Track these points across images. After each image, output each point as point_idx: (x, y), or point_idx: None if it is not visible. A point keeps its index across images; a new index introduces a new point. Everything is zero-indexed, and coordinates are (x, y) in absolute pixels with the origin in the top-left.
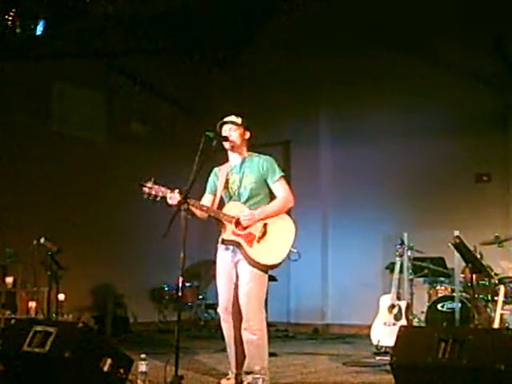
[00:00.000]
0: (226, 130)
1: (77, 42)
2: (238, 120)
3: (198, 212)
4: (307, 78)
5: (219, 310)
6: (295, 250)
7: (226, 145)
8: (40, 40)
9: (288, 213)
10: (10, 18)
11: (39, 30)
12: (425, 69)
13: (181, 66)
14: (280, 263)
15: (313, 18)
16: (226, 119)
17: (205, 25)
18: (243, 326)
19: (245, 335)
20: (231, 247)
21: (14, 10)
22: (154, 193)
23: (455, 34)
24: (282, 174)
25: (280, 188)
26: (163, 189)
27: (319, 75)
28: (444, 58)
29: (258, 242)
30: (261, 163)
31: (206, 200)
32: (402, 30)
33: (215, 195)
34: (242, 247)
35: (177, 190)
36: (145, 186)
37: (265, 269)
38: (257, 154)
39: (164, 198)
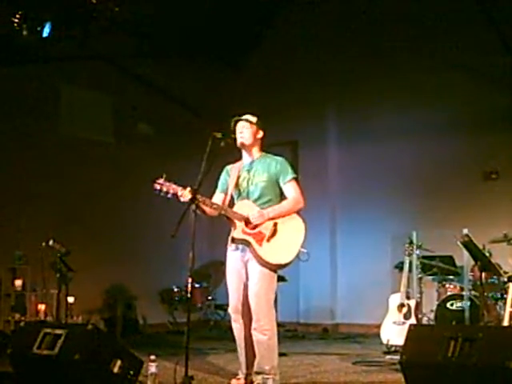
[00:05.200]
0: (239, 128)
1: (84, 45)
2: (253, 119)
3: (207, 209)
4: (314, 78)
5: (229, 310)
6: (305, 250)
7: (237, 144)
8: (47, 42)
9: (297, 213)
10: (17, 21)
11: (46, 32)
12: (432, 67)
13: (189, 67)
14: (289, 263)
15: (319, 19)
16: (241, 117)
17: (213, 26)
18: (253, 326)
19: (255, 335)
20: (241, 247)
21: (20, 13)
22: (165, 189)
23: (464, 32)
24: (295, 175)
25: (291, 189)
26: (174, 186)
27: (326, 75)
28: (451, 55)
29: (268, 241)
30: (273, 163)
31: (217, 198)
32: (410, 29)
33: (226, 194)
34: (252, 246)
35: (188, 188)
36: (156, 183)
37: (274, 268)
38: (270, 155)
39: (175, 194)
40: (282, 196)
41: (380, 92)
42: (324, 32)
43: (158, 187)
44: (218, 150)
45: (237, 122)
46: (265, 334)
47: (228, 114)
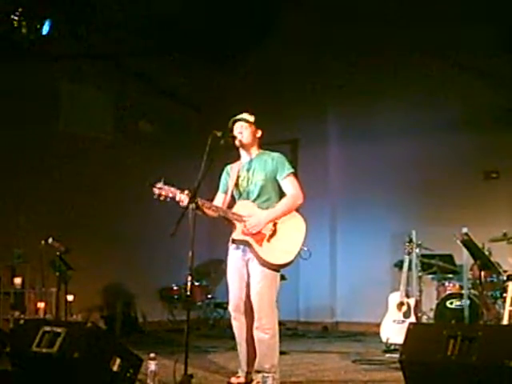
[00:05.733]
0: (238, 128)
1: (85, 42)
2: (251, 118)
3: (208, 211)
4: (315, 76)
5: (230, 308)
6: (306, 249)
7: (236, 143)
8: (48, 40)
9: (297, 211)
10: (16, 18)
11: (45, 29)
12: (433, 66)
13: (190, 64)
14: (291, 262)
15: (320, 18)
16: (238, 117)
17: (214, 24)
18: (255, 324)
19: (256, 334)
20: (242, 246)
21: (19, 10)
22: (164, 193)
23: (464, 31)
24: (292, 170)
25: (289, 185)
26: (173, 189)
27: (327, 73)
28: (453, 54)
29: (268, 241)
30: (270, 160)
31: (219, 199)
32: (410, 27)
33: (227, 194)
34: (252, 247)
35: (186, 191)
36: (155, 187)
37: (275, 268)
38: (267, 152)
39: (174, 198)
40: (281, 192)
41: (381, 91)
42: (325, 30)
43: (156, 191)
44: (218, 148)
45: (235, 122)
46: (266, 333)
47: (229, 111)
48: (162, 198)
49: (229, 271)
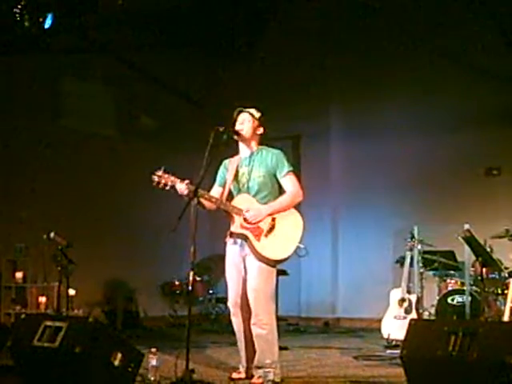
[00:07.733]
0: (241, 119)
1: (85, 36)
2: (257, 114)
3: (206, 203)
4: (318, 72)
5: (229, 304)
6: (303, 246)
7: (235, 134)
8: (48, 34)
9: (298, 207)
10: (18, 11)
11: (47, 23)
12: (435, 63)
13: (191, 59)
14: (286, 258)
15: (324, 12)
16: (245, 109)
17: (216, 18)
18: (252, 320)
19: (254, 330)
20: (239, 241)
21: (22, 3)
22: (163, 182)
23: (466, 28)
24: (291, 168)
25: (289, 182)
26: (173, 178)
27: (330, 69)
28: (455, 52)
29: (266, 236)
30: (269, 157)
31: (215, 192)
32: (413, 25)
33: (224, 187)
34: (250, 241)
35: (186, 181)
36: (155, 174)
37: (272, 263)
38: (266, 148)
39: (173, 187)
40: (280, 188)
41: (383, 88)
42: (328, 25)
43: (156, 179)
44: (220, 143)
45: (240, 112)
46: (263, 329)
47: (231, 106)
48: (161, 186)
49: (227, 267)
